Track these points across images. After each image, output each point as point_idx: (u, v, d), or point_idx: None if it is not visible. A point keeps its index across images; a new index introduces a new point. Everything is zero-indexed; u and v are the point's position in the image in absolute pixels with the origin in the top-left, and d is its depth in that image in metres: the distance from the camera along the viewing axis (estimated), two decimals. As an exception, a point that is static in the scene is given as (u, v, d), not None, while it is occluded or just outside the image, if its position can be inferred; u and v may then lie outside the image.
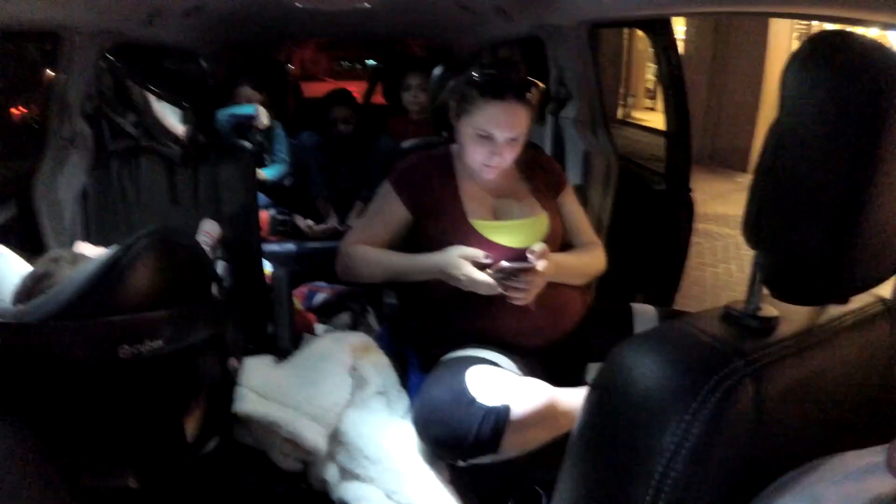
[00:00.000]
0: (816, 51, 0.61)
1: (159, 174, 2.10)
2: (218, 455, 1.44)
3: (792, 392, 0.64)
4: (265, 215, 2.80)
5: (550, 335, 1.59)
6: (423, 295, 1.65)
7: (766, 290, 0.68)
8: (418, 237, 1.65)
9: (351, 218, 3.05)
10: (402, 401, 1.67)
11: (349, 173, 3.23)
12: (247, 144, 2.25)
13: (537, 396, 1.34)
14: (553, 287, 1.54)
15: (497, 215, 1.65)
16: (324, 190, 3.15)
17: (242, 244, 2.13)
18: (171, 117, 2.04)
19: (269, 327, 1.92)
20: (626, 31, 8.97)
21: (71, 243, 1.96)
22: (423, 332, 1.69)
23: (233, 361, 1.58)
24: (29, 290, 1.24)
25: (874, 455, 0.58)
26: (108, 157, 2.10)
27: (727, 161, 7.11)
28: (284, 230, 2.95)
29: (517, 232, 1.61)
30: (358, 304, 2.58)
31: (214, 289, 1.47)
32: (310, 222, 3.01)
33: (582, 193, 2.30)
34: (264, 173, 2.92)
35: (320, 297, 2.61)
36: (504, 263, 1.45)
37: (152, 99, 2.00)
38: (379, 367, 1.72)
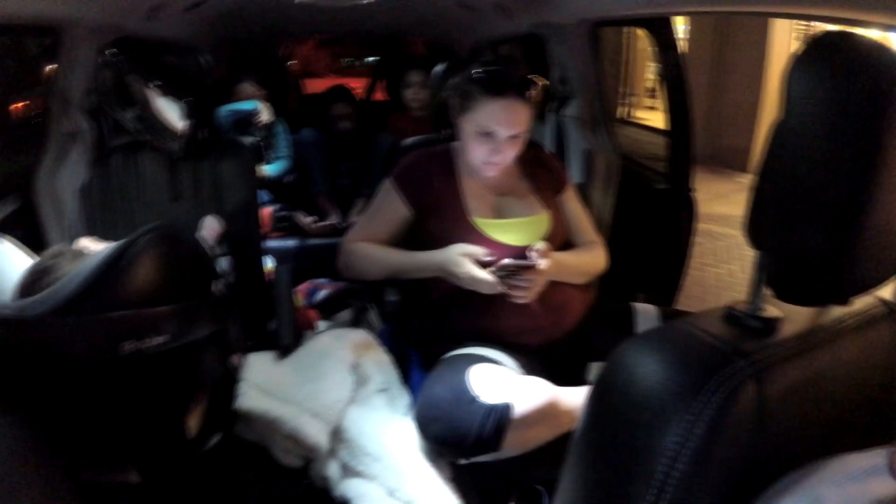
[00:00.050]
0: (818, 52, 0.61)
1: (160, 170, 2.10)
2: (219, 451, 1.44)
3: (793, 393, 0.64)
4: (266, 212, 2.80)
5: (551, 334, 1.60)
6: (424, 292, 1.65)
7: (768, 291, 0.69)
8: (419, 235, 1.65)
9: (352, 215, 3.05)
10: (404, 398, 1.67)
11: (350, 170, 3.23)
12: (248, 140, 2.25)
13: (539, 395, 1.34)
14: (554, 286, 1.55)
15: (498, 213, 1.65)
16: (325, 187, 3.15)
17: (243, 241, 2.13)
18: (171, 113, 2.04)
19: (271, 324, 1.92)
20: (626, 30, 8.95)
21: (72, 238, 1.96)
22: (424, 329, 1.69)
23: (235, 358, 1.58)
24: (31, 284, 1.23)
25: (876, 457, 0.58)
26: (109, 153, 2.10)
27: (728, 161, 7.10)
28: (285, 227, 2.95)
29: (518, 230, 1.61)
30: (359, 301, 2.58)
31: (217, 285, 1.47)
32: (311, 219, 3.01)
33: (583, 192, 2.30)
34: (267, 170, 2.92)
35: (322, 294, 2.61)
36: (506, 261, 1.45)
37: (153, 94, 1.99)
38: (380, 364, 1.72)
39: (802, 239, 0.62)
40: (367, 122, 3.35)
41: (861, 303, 0.75)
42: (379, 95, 4.05)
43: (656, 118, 8.66)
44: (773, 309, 0.69)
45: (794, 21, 6.17)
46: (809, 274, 0.63)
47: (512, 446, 1.32)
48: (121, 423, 1.18)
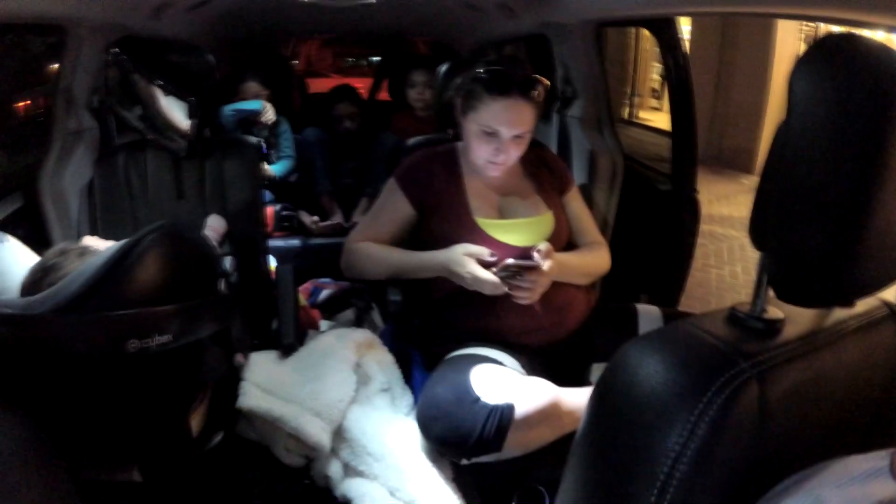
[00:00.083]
0: (823, 54, 0.61)
1: (165, 168, 2.11)
2: (221, 450, 1.45)
3: (796, 394, 0.64)
4: (270, 211, 2.80)
5: (554, 334, 1.60)
6: (427, 292, 1.65)
7: (771, 293, 0.69)
8: (423, 234, 1.65)
9: (356, 214, 3.05)
10: (406, 398, 1.67)
11: (353, 170, 3.23)
12: (252, 140, 2.25)
13: (541, 396, 1.34)
14: (557, 286, 1.55)
15: (502, 213, 1.65)
16: (328, 186, 3.16)
17: (247, 239, 2.14)
18: (176, 112, 2.04)
19: (274, 323, 1.93)
20: (632, 30, 8.93)
21: (76, 236, 1.96)
22: (426, 329, 1.69)
23: (239, 357, 1.59)
24: (36, 282, 1.24)
25: (878, 459, 0.58)
26: (113, 152, 2.11)
27: (732, 162, 7.09)
28: (289, 226, 2.95)
29: (522, 230, 1.61)
30: (362, 300, 2.58)
31: (221, 284, 1.48)
32: (314, 218, 3.01)
33: (587, 193, 2.30)
34: (272, 170, 2.93)
35: (325, 294, 2.61)
36: (509, 262, 1.45)
37: (158, 93, 2.00)
38: (383, 364, 1.73)
39: (806, 240, 0.62)
40: (370, 121, 3.35)
41: (863, 305, 0.75)
42: (383, 95, 4.05)
43: (660, 119, 8.65)
44: (777, 310, 0.69)
45: (801, 22, 6.16)
46: (813, 275, 0.63)
47: (514, 447, 1.32)
48: (124, 421, 1.18)
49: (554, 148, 2.53)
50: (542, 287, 1.49)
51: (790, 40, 6.73)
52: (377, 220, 1.70)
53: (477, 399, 1.33)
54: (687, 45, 2.11)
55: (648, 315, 1.66)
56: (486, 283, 1.45)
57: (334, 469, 1.54)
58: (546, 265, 1.47)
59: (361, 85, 4.07)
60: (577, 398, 1.39)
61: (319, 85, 4.69)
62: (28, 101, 3.51)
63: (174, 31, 2.47)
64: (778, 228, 0.65)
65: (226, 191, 2.13)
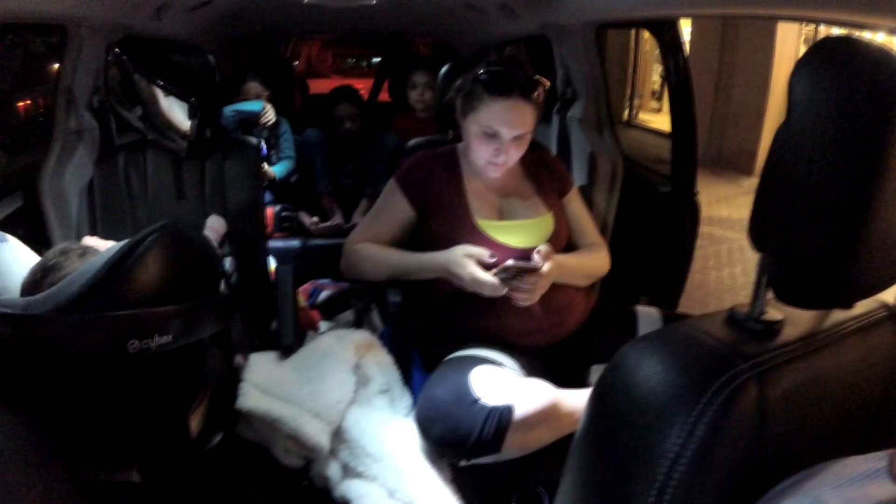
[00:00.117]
0: (823, 55, 0.61)
1: (165, 168, 2.11)
2: (221, 451, 1.44)
3: (795, 396, 0.64)
4: (270, 212, 2.81)
5: (554, 336, 1.60)
6: (427, 293, 1.65)
7: (770, 294, 0.69)
8: (423, 235, 1.66)
9: (356, 215, 3.05)
10: (405, 399, 1.67)
11: (354, 171, 3.23)
12: (252, 140, 2.25)
13: (540, 397, 1.34)
14: (557, 288, 1.55)
15: (502, 215, 1.65)
16: (329, 187, 3.15)
17: (247, 240, 2.14)
18: (177, 112, 2.05)
19: (273, 324, 1.93)
20: (632, 32, 8.94)
21: (76, 236, 1.96)
22: (426, 330, 1.69)
23: (239, 358, 1.59)
24: (37, 282, 1.24)
25: (876, 461, 0.58)
26: (114, 151, 2.11)
27: (733, 164, 7.09)
28: (289, 227, 2.95)
29: (522, 232, 1.61)
30: (362, 301, 2.58)
31: (222, 285, 1.48)
32: (314, 219, 3.01)
33: (587, 194, 2.30)
34: (273, 171, 2.93)
35: (324, 295, 2.61)
36: (509, 263, 1.45)
37: (159, 93, 2.00)
38: (382, 365, 1.73)
39: (805, 242, 0.62)
40: (370, 122, 3.35)
41: (862, 306, 0.75)
42: (383, 96, 4.05)
43: (660, 120, 8.65)
44: (776, 312, 0.69)
45: (802, 24, 6.16)
46: (813, 277, 0.63)
47: (513, 448, 1.32)
48: (124, 421, 1.18)
49: (554, 149, 2.53)
50: (542, 289, 1.49)
51: (790, 42, 6.73)
52: (377, 221, 1.70)
53: (476, 400, 1.33)
54: (687, 47, 2.12)
55: (648, 317, 1.67)
56: (486, 285, 1.45)
57: (333, 470, 1.54)
58: (546, 267, 1.47)
59: (362, 86, 4.07)
60: (577, 399, 1.39)
61: (320, 86, 4.69)
62: (28, 101, 3.52)
63: (175, 32, 2.47)
64: (778, 230, 0.65)
65: (226, 191, 2.13)
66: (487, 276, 1.45)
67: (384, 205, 1.70)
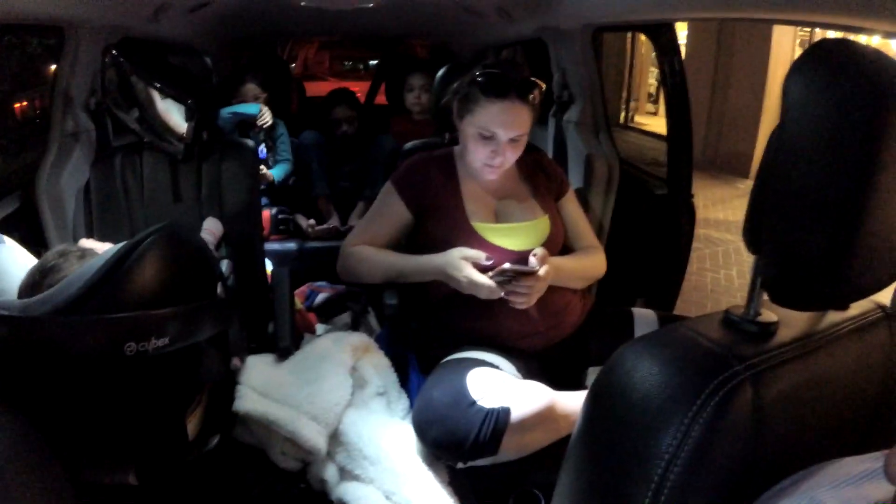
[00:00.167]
0: (818, 59, 0.61)
1: (162, 170, 2.11)
2: (218, 453, 1.44)
3: (790, 397, 0.64)
4: (266, 214, 2.80)
5: (550, 338, 1.60)
6: (423, 296, 1.65)
7: (766, 296, 0.69)
8: (420, 238, 1.66)
9: (353, 218, 3.05)
10: (402, 402, 1.67)
11: (351, 173, 3.23)
12: (249, 142, 2.25)
13: (537, 399, 1.34)
14: (553, 290, 1.55)
15: (498, 217, 1.65)
16: (325, 190, 3.16)
17: (244, 242, 2.14)
18: (174, 114, 2.04)
19: (270, 326, 1.93)
20: (629, 35, 8.97)
21: (73, 238, 1.96)
22: (423, 333, 1.70)
23: (236, 361, 1.58)
24: (35, 283, 1.24)
25: (872, 461, 0.58)
26: (110, 153, 2.10)
27: (728, 167, 7.12)
28: (286, 229, 2.95)
29: (518, 235, 1.61)
30: (359, 304, 2.58)
31: (220, 287, 1.48)
32: (311, 222, 3.01)
33: (583, 197, 2.30)
34: (272, 174, 2.93)
35: (321, 297, 2.61)
36: (505, 266, 1.45)
37: (156, 95, 2.00)
38: (379, 367, 1.72)
39: (800, 244, 0.62)
40: (367, 125, 3.36)
41: (857, 307, 0.76)
42: (380, 99, 4.05)
43: (656, 123, 8.68)
44: (771, 314, 0.70)
45: (797, 27, 6.18)
46: (808, 279, 0.64)
47: (510, 450, 1.32)
48: (121, 423, 1.18)
49: (550, 152, 2.54)
50: (539, 292, 1.49)
51: (786, 45, 6.76)
52: (374, 223, 1.70)
53: (473, 403, 1.33)
54: (683, 50, 2.12)
55: (644, 319, 1.67)
56: (482, 287, 1.45)
57: (330, 473, 1.53)
58: (542, 270, 1.47)
59: (359, 88, 4.08)
60: (573, 402, 1.39)
61: (317, 88, 4.69)
62: (25, 103, 3.51)
63: (173, 33, 2.47)
64: (773, 232, 0.65)
65: (223, 193, 2.13)
66: (484, 279, 1.45)
67: (381, 207, 1.70)
